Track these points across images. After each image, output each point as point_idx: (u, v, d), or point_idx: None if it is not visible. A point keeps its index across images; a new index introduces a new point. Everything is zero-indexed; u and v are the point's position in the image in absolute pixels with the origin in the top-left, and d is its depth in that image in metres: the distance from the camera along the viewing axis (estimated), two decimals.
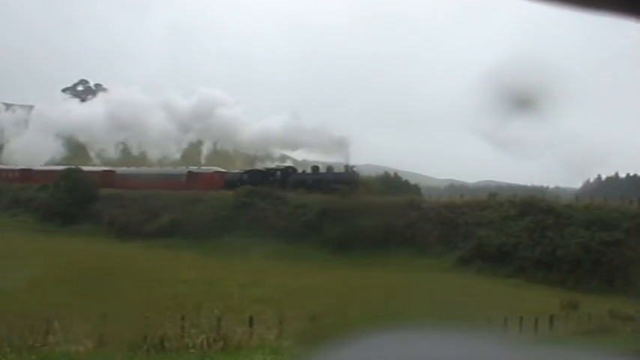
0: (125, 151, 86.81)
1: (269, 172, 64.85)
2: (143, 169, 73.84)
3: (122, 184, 68.15)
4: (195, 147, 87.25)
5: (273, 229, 50.92)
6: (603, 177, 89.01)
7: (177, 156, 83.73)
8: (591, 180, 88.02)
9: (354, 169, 62.00)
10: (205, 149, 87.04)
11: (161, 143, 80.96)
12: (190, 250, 46.46)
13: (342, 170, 61.66)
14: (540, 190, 58.54)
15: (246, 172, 66.78)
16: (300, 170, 66.24)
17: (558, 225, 43.32)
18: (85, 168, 72.00)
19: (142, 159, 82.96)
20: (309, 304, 21.64)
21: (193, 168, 71.54)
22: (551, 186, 64.79)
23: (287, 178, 63.54)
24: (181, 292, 25.64)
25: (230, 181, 65.02)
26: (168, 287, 26.95)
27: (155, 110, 77.75)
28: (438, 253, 44.17)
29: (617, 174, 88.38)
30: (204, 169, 71.62)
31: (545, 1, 1.41)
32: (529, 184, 61.92)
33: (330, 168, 64.61)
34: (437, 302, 23.73)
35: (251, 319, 17.09)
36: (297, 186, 60.35)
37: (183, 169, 70.96)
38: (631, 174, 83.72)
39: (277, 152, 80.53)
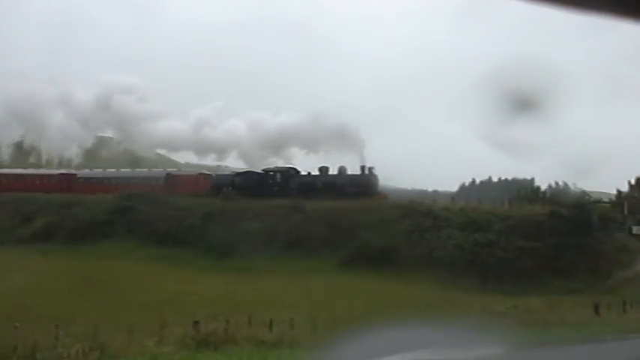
0: (20, 151, 78.48)
1: (267, 175, 58.08)
2: (110, 172, 67.04)
3: (84, 190, 61.47)
4: (100, 146, 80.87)
5: (155, 234, 49.65)
6: (477, 181, 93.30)
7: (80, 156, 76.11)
8: (466, 184, 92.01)
9: (373, 171, 55.55)
10: (115, 149, 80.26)
11: (60, 142, 72.65)
12: (65, 256, 44.51)
13: (358, 172, 55.73)
14: (421, 193, 59.70)
15: (239, 174, 59.79)
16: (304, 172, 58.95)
17: (436, 227, 44.75)
18: (35, 171, 67.40)
19: (37, 160, 75.56)
20: (191, 309, 21.25)
21: (173, 170, 65.36)
22: (430, 189, 66.65)
23: (289, 181, 57.16)
24: (55, 299, 24.52)
25: (218, 185, 57.92)
26: (40, 295, 25.71)
27: (53, 105, 71.23)
28: (322, 255, 44.52)
29: (490, 178, 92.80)
30: (187, 171, 65.38)
31: (544, 2, 1.36)
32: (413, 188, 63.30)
33: (342, 169, 57.09)
34: (319, 303, 23.97)
35: (130, 326, 16.55)
36: (303, 191, 54.01)
37: (160, 172, 64.42)
38: (502, 178, 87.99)
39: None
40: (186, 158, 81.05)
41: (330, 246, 45.42)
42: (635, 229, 44.75)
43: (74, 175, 66.89)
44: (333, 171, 57.33)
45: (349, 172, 56.71)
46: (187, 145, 71.01)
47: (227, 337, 18.02)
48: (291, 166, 59.94)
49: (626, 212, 46.81)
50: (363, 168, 55.38)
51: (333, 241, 45.78)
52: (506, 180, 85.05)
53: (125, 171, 66.40)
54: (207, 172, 63.55)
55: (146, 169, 66.03)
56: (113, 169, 67.57)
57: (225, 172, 63.35)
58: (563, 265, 39.73)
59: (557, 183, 58.26)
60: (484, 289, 36.49)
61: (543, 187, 58.21)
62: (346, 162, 58.12)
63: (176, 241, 48.18)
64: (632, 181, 58.97)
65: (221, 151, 69.00)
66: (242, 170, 61.26)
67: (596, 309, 29.20)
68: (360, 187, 52.56)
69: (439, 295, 31.96)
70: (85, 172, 67.76)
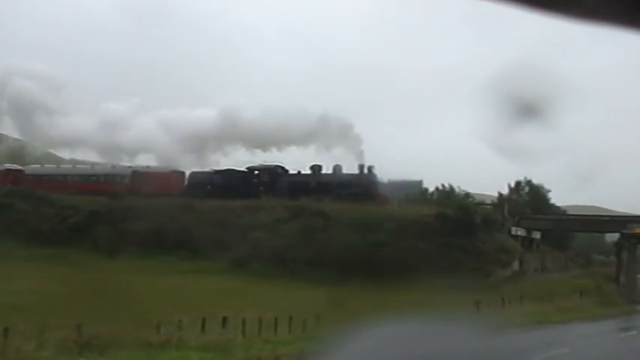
0: None
1: (251, 173, 53.48)
2: (66, 169, 60.92)
3: (34, 188, 54.52)
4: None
5: (36, 233, 47.45)
6: None
7: None
8: None
9: (372, 170, 51.06)
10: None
11: None
12: None
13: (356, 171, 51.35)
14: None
15: (218, 172, 54.15)
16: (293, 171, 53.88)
17: (327, 227, 45.16)
18: None
19: None
20: (73, 311, 20.45)
21: (140, 167, 58.01)
22: None
23: (276, 180, 52.55)
24: None
25: (195, 185, 53.22)
26: None
27: None
28: (213, 256, 44.01)
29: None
30: (157, 168, 57.27)
31: (550, 13, 1.32)
32: None
33: (338, 168, 52.14)
34: (207, 304, 23.66)
35: (6, 329, 15.73)
36: (293, 191, 49.65)
37: (125, 169, 58.22)
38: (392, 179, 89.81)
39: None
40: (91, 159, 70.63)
41: (221, 246, 44.95)
42: (513, 230, 46.93)
43: (20, 171, 59.93)
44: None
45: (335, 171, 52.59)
46: (93, 144, 63.46)
47: (112, 340, 17.51)
48: (277, 163, 54.26)
49: (505, 214, 49.02)
50: (361, 167, 51.35)
51: (224, 242, 45.34)
52: (395, 182, 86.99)
53: (84, 168, 60.57)
54: (180, 170, 57.30)
55: (110, 166, 59.97)
56: (69, 166, 61.62)
57: (204, 170, 56.77)
58: (448, 264, 41.09)
59: (443, 185, 60.13)
60: (374, 288, 37.16)
61: (431, 189, 59.89)
62: (320, 160, 54.38)
63: (61, 239, 46.27)
64: (512, 185, 61.98)
65: (132, 152, 61.99)
66: (222, 168, 55.24)
67: (477, 306, 30.43)
68: (358, 188, 48.73)
69: (329, 296, 32.29)
70: (35, 168, 60.86)
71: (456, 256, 42.03)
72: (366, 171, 51.16)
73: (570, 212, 55.76)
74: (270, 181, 51.87)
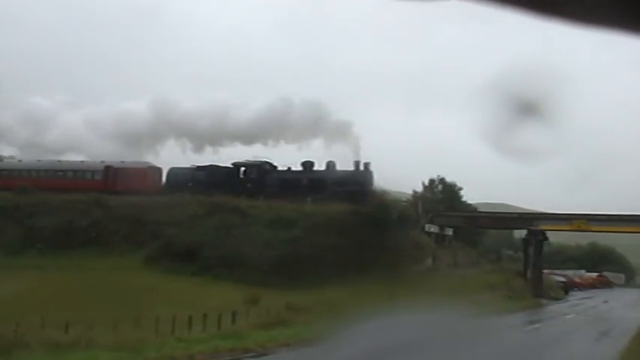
0: None
1: (237, 169, 50.26)
2: (29, 163, 55.40)
3: None
4: None
5: None
6: None
7: None
8: None
9: (368, 167, 48.06)
10: None
11: None
12: None
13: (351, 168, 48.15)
14: None
15: (201, 168, 50.88)
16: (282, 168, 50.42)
17: (244, 224, 44.88)
18: None
19: None
20: None
21: (114, 162, 53.87)
22: None
23: (265, 177, 49.44)
24: None
25: (175, 182, 49.71)
26: None
27: None
28: (125, 252, 42.96)
29: None
30: (132, 163, 53.41)
31: (546, 17, 1.22)
32: None
33: (331, 165, 49.02)
34: (118, 303, 23.04)
35: None
36: (284, 189, 47.05)
37: (96, 164, 53.80)
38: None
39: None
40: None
41: (133, 243, 43.95)
42: (427, 227, 47.95)
43: None
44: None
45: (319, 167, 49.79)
46: (14, 140, 59.95)
47: (17, 341, 16.76)
48: (265, 159, 51.15)
49: (420, 211, 50.02)
50: (357, 163, 48.59)
51: (137, 238, 44.36)
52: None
53: (50, 162, 55.46)
54: (157, 166, 53.89)
55: (79, 160, 55.74)
56: (34, 160, 56.34)
57: (185, 166, 52.96)
58: (364, 261, 41.53)
59: None
60: (289, 285, 37.17)
61: None
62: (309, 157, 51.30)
63: None
64: (426, 182, 63.38)
65: (59, 150, 57.64)
66: (204, 164, 51.71)
67: (390, 299, 30.87)
68: (354, 185, 46.43)
69: (245, 293, 32.06)
70: None
71: (372, 252, 42.51)
72: (362, 167, 48.79)
73: (481, 210, 57.37)
74: (258, 178, 49.34)
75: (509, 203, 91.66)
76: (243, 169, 50.29)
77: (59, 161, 55.30)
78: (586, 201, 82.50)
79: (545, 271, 53.25)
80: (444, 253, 48.12)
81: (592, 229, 49.24)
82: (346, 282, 36.44)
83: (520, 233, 53.64)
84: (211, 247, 43.59)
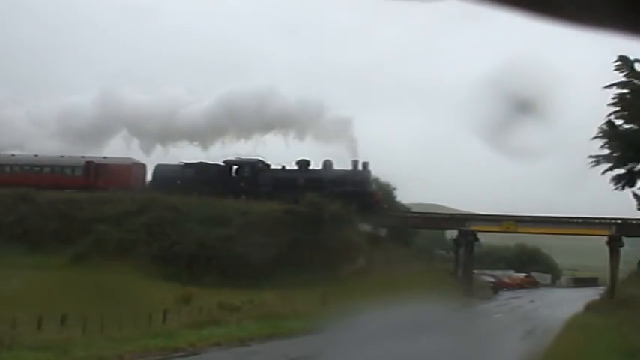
0: None
1: (229, 167, 48.17)
2: (2, 157, 52.07)
3: None
4: None
5: None
6: None
7: None
8: None
9: (367, 166, 46.93)
10: None
11: None
12: None
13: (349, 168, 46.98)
14: None
15: (189, 165, 48.60)
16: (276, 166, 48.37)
17: (177, 221, 44.38)
18: None
19: None
20: None
21: (95, 158, 51.60)
22: None
23: (258, 175, 47.33)
24: None
25: (162, 179, 47.43)
26: None
27: None
28: (54, 250, 41.86)
29: None
30: (115, 159, 51.01)
31: (544, 18, 1.21)
32: None
33: (328, 164, 47.58)
34: (45, 301, 22.48)
35: None
36: (278, 188, 45.39)
37: (77, 159, 50.94)
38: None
39: None
40: None
41: (62, 240, 42.87)
42: (361, 227, 48.26)
43: None
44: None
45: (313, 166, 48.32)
46: None
47: None
48: (258, 157, 49.29)
49: (354, 210, 50.30)
50: (355, 163, 47.33)
51: (67, 235, 43.29)
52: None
53: (26, 157, 52.35)
54: (142, 162, 51.60)
55: (58, 155, 52.09)
56: (8, 153, 52.97)
57: (171, 163, 50.29)
58: (298, 260, 41.60)
59: None
60: (222, 284, 36.96)
61: None
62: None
63: None
64: None
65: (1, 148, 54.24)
66: (192, 161, 49.43)
67: (324, 300, 31.04)
68: (352, 185, 45.40)
69: (177, 291, 31.74)
70: None
71: (306, 251, 42.61)
72: (360, 167, 47.79)
73: (414, 210, 58.15)
74: (251, 176, 47.49)
75: (441, 204, 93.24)
76: (235, 167, 48.64)
77: (36, 156, 52.48)
78: (513, 201, 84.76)
79: (476, 271, 54.43)
80: (378, 252, 48.55)
81: (520, 231, 50.59)
82: (279, 281, 36.47)
83: (452, 234, 54.67)
84: (143, 244, 43.02)
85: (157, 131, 53.75)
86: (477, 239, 50.53)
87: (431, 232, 59.83)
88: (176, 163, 49.89)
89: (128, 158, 51.92)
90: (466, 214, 55.37)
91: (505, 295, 58.60)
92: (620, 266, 45.04)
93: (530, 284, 75.03)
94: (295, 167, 48.50)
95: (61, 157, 52.00)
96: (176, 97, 55.54)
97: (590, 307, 38.01)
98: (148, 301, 27.32)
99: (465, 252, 49.89)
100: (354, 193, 44.99)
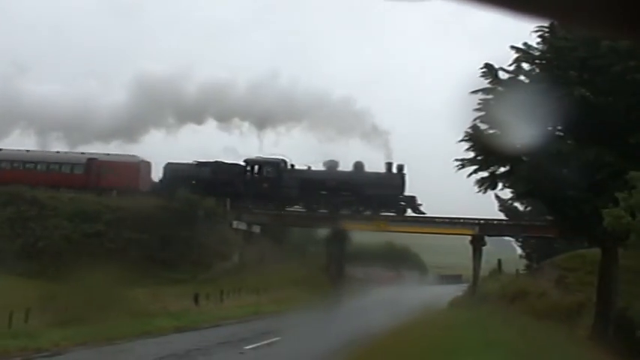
0: None
1: (250, 167, 44.08)
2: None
3: None
4: None
5: None
6: None
7: None
8: None
9: (402, 169, 43.37)
10: None
11: None
12: None
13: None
14: None
15: (204, 164, 44.25)
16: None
17: (42, 216, 42.64)
18: None
19: None
20: None
21: (98, 154, 46.97)
22: None
23: (282, 176, 43.12)
24: None
25: (173, 179, 42.97)
26: None
27: None
28: None
29: None
30: (120, 155, 46.52)
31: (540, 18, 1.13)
32: None
33: (359, 165, 44.17)
34: None
35: None
36: (305, 190, 41.54)
37: (77, 156, 45.71)
38: None
39: None
40: None
41: None
42: (235, 224, 48.13)
43: None
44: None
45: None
46: None
47: None
48: (280, 156, 45.66)
49: (228, 207, 50.07)
50: (389, 165, 44.26)
51: None
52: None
53: (17, 152, 46.92)
54: (147, 160, 47.16)
55: (56, 151, 47.31)
56: (6, 149, 47.34)
57: (182, 162, 46.19)
58: (170, 257, 40.96)
59: None
60: (90, 282, 35.74)
61: None
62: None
63: None
64: None
65: None
66: (207, 160, 45.57)
67: (196, 299, 30.77)
68: (387, 189, 42.74)
69: (42, 289, 30.43)
70: None
71: (178, 248, 42.03)
72: (395, 170, 45.17)
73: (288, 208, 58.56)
74: (275, 177, 44.05)
75: None
76: (257, 166, 45.36)
77: (28, 151, 47.74)
78: None
79: (348, 268, 55.63)
80: (251, 249, 48.63)
81: (391, 229, 52.16)
82: (150, 279, 35.74)
83: (325, 231, 55.54)
84: (5, 239, 40.97)
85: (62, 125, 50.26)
86: (348, 237, 51.68)
87: (304, 230, 60.48)
88: (189, 161, 46.69)
89: (133, 155, 47.91)
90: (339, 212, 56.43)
91: (375, 290, 60.25)
92: (483, 264, 47.50)
93: (400, 281, 77.53)
94: (322, 168, 45.89)
95: (58, 152, 48.04)
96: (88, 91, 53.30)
97: (453, 303, 39.81)
98: (9, 299, 25.99)
99: (337, 249, 50.88)
100: (392, 197, 43.28)
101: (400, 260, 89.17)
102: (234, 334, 23.78)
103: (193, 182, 44.07)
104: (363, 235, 52.19)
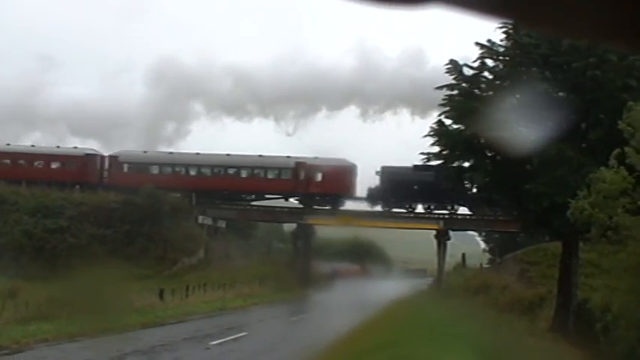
0: None
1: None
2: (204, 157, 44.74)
3: None
4: None
5: None
6: None
7: None
8: None
9: None
10: None
11: None
12: None
13: None
14: None
15: (424, 167, 33.41)
16: None
17: (3, 211, 41.90)
18: None
19: None
20: None
21: (305, 158, 44.74)
22: None
23: None
24: None
25: (393, 183, 40.50)
26: None
27: None
28: None
29: None
30: (328, 159, 43.72)
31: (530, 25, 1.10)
32: None
33: None
34: None
35: None
36: None
37: (283, 160, 44.16)
38: None
39: None
40: None
41: None
42: (200, 219, 47.86)
43: None
44: None
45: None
46: None
47: None
48: None
49: (194, 202, 49.77)
50: None
51: None
52: None
53: (224, 157, 45.14)
54: (352, 162, 44.09)
55: (256, 155, 45.05)
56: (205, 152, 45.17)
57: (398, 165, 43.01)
58: (134, 252, 40.57)
59: None
60: (52, 277, 35.26)
61: None
62: None
63: None
64: None
65: None
66: (423, 163, 39.37)
67: (161, 294, 30.54)
68: None
69: (2, 285, 29.86)
70: None
71: (142, 243, 41.65)
72: None
73: (254, 203, 58.39)
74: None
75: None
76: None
77: (228, 155, 46.20)
78: None
79: (314, 263, 55.70)
80: (217, 245, 48.41)
81: (356, 224, 52.33)
82: (114, 274, 35.34)
83: (291, 226, 55.53)
84: None
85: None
86: (314, 232, 51.77)
87: (269, 225, 60.43)
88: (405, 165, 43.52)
89: (342, 159, 46.02)
90: (305, 207, 56.46)
91: (341, 285, 60.43)
92: (447, 258, 47.96)
93: (366, 275, 77.86)
94: None
95: (260, 156, 46.06)
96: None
97: (417, 297, 40.14)
98: None
99: (303, 244, 50.93)
100: None
101: (366, 255, 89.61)
102: (199, 329, 23.63)
103: (415, 187, 43.04)
104: (329, 230, 52.32)
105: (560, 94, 22.08)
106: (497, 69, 23.92)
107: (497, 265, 41.67)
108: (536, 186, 21.48)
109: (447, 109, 24.31)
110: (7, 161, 45.06)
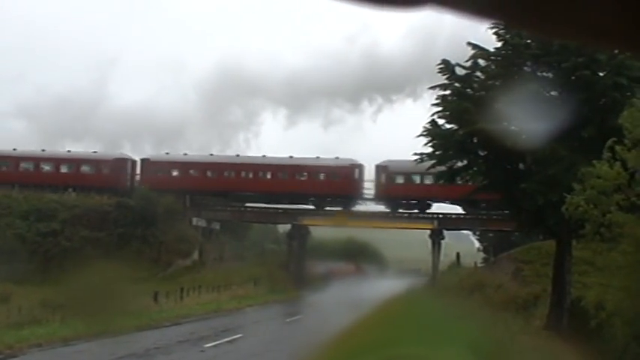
0: None
1: None
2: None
3: None
4: None
5: None
6: None
7: None
8: None
9: None
10: None
11: None
12: None
13: None
14: None
15: None
16: None
17: None
18: None
19: None
20: None
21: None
22: None
23: None
24: None
25: None
26: None
27: None
28: None
29: None
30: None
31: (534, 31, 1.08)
32: None
33: None
34: None
35: None
36: None
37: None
38: None
39: None
40: None
41: None
42: (194, 221, 47.79)
43: None
44: None
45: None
46: None
47: None
48: None
49: (187, 204, 49.72)
50: None
51: None
52: None
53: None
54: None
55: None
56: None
57: None
58: (128, 255, 40.45)
59: None
60: (44, 281, 35.15)
61: None
62: None
63: None
64: None
65: None
66: None
67: (156, 297, 30.46)
68: None
69: None
70: None
71: (137, 246, 41.55)
72: None
73: (247, 204, 58.32)
74: None
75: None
76: None
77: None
78: None
79: (308, 263, 55.64)
80: (211, 246, 48.35)
81: (351, 225, 52.32)
82: (108, 277, 35.22)
83: (284, 227, 55.48)
84: None
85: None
86: (309, 232, 51.73)
87: (264, 226, 60.38)
88: None
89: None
90: (299, 208, 56.43)
91: (335, 285, 60.38)
92: (442, 258, 47.99)
93: (360, 275, 77.83)
94: None
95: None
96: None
97: (412, 296, 40.13)
98: None
99: (297, 245, 50.88)
100: None
101: (360, 255, 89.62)
102: (194, 332, 23.58)
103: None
104: (324, 231, 52.29)
105: (552, 93, 22.09)
106: (490, 69, 23.93)
107: (491, 264, 41.71)
108: (530, 185, 21.50)
109: (440, 109, 24.30)
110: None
